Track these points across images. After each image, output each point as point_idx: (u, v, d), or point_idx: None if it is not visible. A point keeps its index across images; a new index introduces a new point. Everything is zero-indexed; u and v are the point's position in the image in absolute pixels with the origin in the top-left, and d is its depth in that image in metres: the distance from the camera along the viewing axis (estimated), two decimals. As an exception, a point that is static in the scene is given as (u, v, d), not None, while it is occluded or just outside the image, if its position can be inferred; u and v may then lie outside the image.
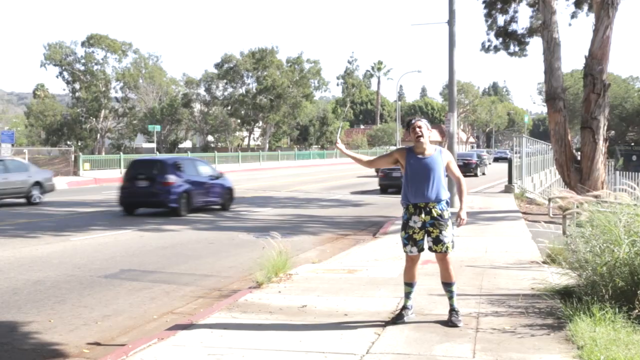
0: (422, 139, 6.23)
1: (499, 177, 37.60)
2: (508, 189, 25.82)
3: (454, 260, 9.89)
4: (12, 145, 41.31)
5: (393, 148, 76.64)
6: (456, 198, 7.23)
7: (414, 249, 6.27)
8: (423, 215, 6.19)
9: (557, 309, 6.49)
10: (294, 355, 5.48)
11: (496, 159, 67.80)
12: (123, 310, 7.70)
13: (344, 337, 5.94)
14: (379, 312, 6.84)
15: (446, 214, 6.23)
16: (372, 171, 36.20)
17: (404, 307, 6.49)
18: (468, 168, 39.41)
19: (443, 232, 6.18)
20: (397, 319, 6.39)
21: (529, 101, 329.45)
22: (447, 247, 6.21)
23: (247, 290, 8.18)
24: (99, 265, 10.46)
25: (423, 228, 6.21)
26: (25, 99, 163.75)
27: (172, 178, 18.06)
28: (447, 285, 6.33)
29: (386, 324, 6.36)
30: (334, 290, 8.06)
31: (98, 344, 6.43)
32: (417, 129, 6.24)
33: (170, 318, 7.35)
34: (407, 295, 6.48)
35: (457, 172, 6.44)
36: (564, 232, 9.65)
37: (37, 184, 22.04)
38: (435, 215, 6.18)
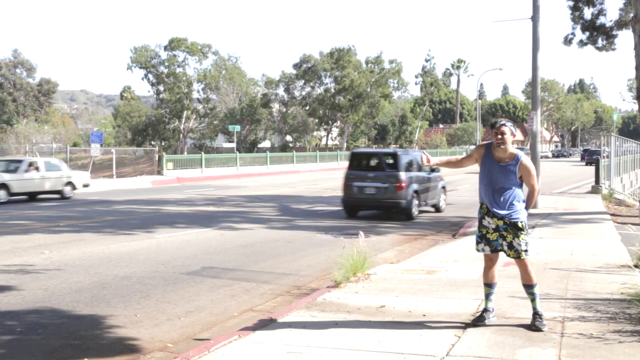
0: (502, 146, 6.05)
1: (584, 178, 36.31)
2: (595, 189, 24.85)
3: (537, 263, 9.63)
4: (101, 145, 43.12)
5: (473, 148, 75.15)
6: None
7: (487, 248, 6.22)
8: (496, 219, 6.13)
9: (649, 315, 6.19)
10: (372, 355, 5.45)
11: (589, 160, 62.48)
12: (204, 307, 7.88)
13: (423, 339, 5.86)
14: (459, 314, 6.72)
15: (520, 223, 6.06)
16: (449, 171, 35.77)
17: (485, 310, 6.34)
18: None
19: (516, 239, 6.06)
20: (478, 321, 6.26)
21: (618, 98, 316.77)
22: (519, 254, 6.08)
23: (326, 289, 8.21)
24: (181, 262, 10.75)
25: (497, 231, 6.13)
26: (113, 100, 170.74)
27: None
28: (528, 287, 6.15)
29: (466, 326, 6.24)
30: (412, 291, 7.97)
31: (181, 339, 6.61)
32: (500, 136, 6.03)
33: (250, 315, 7.46)
34: (487, 296, 6.35)
35: (531, 183, 6.15)
36: (656, 235, 9.19)
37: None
38: (507, 222, 6.08)
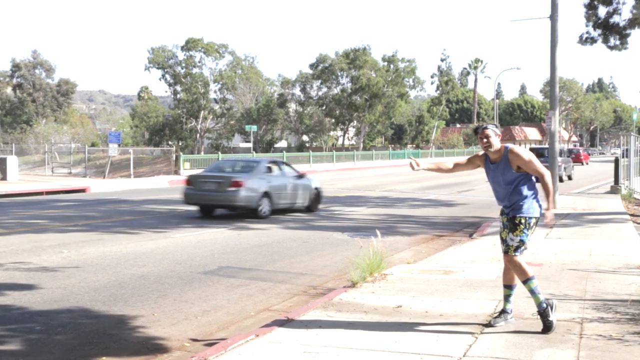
0: (490, 149, 6.07)
1: (603, 178, 36.00)
2: (614, 189, 24.61)
3: (556, 264, 9.57)
4: (119, 145, 43.47)
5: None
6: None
7: (503, 247, 6.24)
8: (503, 217, 6.20)
9: (670, 317, 6.12)
10: (389, 355, 5.45)
11: None
12: (221, 306, 7.91)
13: (439, 339, 5.85)
14: (476, 315, 6.68)
15: (519, 218, 6.00)
16: (468, 171, 35.68)
17: (503, 310, 6.31)
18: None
19: (511, 234, 6.04)
20: (495, 322, 6.23)
21: (638, 97, 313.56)
22: (508, 249, 6.04)
23: (342, 289, 8.21)
24: (198, 261, 10.80)
25: (504, 228, 6.17)
26: (131, 101, 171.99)
27: None
28: (523, 283, 6.05)
29: (484, 327, 6.21)
30: (429, 291, 7.95)
31: (198, 338, 6.64)
32: (486, 139, 6.05)
33: (266, 315, 7.48)
34: (507, 298, 6.30)
35: (535, 168, 5.95)
36: (676, 236, 9.09)
37: None
38: (509, 218, 6.10)
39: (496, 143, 6.06)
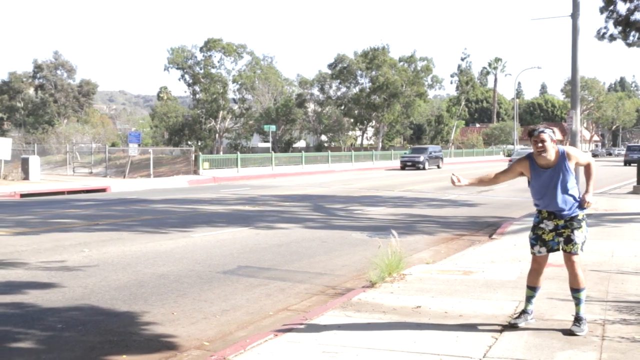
0: (544, 154, 5.87)
1: (626, 178, 35.59)
2: (637, 190, 24.31)
3: (577, 264, 9.44)
4: (139, 145, 43.77)
5: (510, 147, 74.19)
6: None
7: (543, 249, 6.07)
8: (557, 220, 5.99)
9: (694, 319, 6.02)
10: (407, 356, 5.42)
11: None
12: (240, 306, 7.93)
13: (459, 340, 5.81)
14: (496, 316, 6.64)
15: (580, 215, 5.98)
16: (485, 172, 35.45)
17: (524, 311, 6.25)
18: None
19: (575, 231, 5.92)
20: (516, 323, 6.17)
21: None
22: (577, 248, 5.92)
23: (361, 289, 8.19)
24: (217, 261, 10.84)
25: (554, 230, 6.00)
26: (151, 101, 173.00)
27: None
28: (574, 291, 6.01)
29: (504, 327, 6.16)
30: (448, 292, 7.91)
31: (217, 337, 6.66)
32: (541, 144, 5.85)
33: (285, 314, 7.48)
34: (529, 299, 6.23)
35: (586, 159, 6.12)
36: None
37: None
38: (568, 220, 5.96)
39: (550, 149, 5.87)
